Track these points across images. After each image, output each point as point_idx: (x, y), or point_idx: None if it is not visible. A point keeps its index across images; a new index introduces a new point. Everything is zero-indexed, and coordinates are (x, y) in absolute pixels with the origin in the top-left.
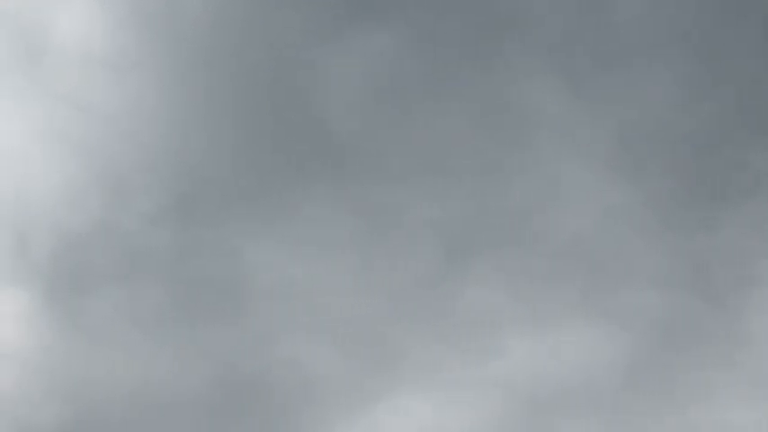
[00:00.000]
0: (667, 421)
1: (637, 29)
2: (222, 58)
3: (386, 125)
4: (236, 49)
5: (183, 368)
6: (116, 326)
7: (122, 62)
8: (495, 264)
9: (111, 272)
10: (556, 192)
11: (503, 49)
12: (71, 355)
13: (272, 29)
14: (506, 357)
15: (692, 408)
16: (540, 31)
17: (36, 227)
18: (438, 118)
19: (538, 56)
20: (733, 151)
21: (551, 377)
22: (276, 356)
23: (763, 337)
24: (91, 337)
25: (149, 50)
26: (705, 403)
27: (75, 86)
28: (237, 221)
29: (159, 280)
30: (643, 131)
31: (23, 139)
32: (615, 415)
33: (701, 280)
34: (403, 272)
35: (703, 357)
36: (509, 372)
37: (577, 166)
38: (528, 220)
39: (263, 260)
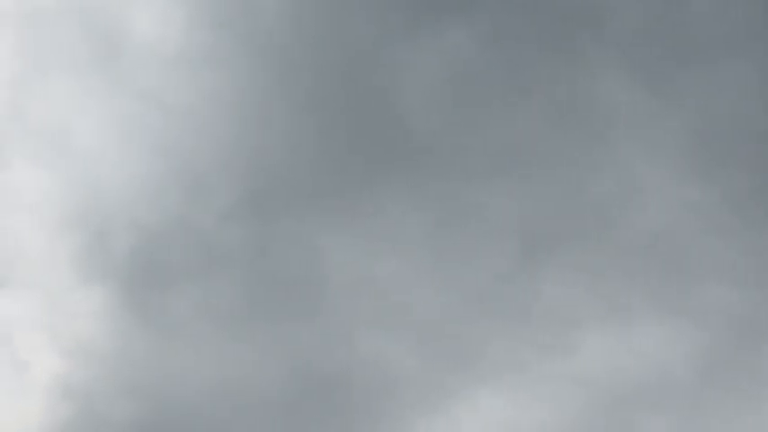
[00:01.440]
0: (744, 418)
1: (713, 24)
2: (299, 54)
3: (463, 122)
4: (313, 45)
5: (261, 366)
6: (193, 323)
7: (199, 60)
8: (572, 260)
9: (188, 269)
10: (633, 188)
11: (579, 45)
12: (148, 352)
13: (350, 25)
14: (584, 354)
15: None
16: (616, 27)
17: (114, 224)
18: (515, 115)
19: (614, 51)
20: None
21: (629, 373)
22: (354, 354)
23: None
24: (168, 335)
25: (226, 48)
26: None
27: (153, 84)
28: (315, 218)
29: (236, 277)
30: (720, 127)
31: (101, 136)
32: (692, 411)
33: None
34: (481, 269)
35: None
36: (587, 368)
37: (654, 163)
38: (604, 216)
39: (340, 257)
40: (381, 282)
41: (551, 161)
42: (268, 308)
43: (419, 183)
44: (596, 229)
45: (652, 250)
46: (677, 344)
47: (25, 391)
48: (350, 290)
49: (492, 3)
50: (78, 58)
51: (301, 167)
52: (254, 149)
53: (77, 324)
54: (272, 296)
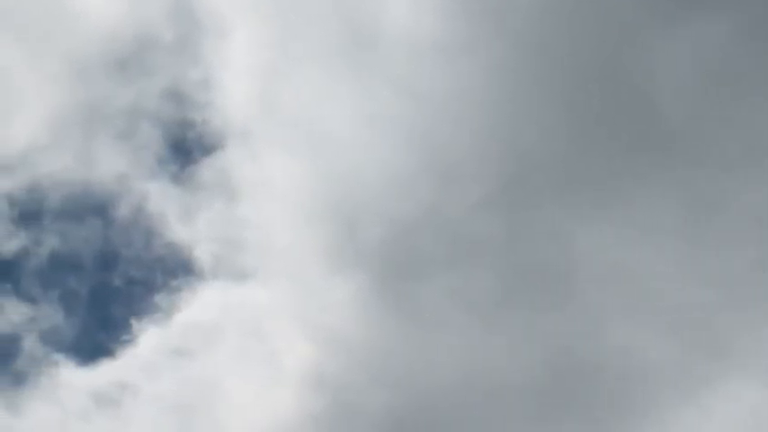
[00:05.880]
0: None
1: None
2: (552, 43)
3: (715, 111)
4: (566, 33)
5: (512, 354)
6: (445, 312)
7: (452, 48)
8: None
9: (440, 258)
10: None
11: None
12: (400, 341)
13: (605, 14)
14: None
15: None
16: None
17: (365, 214)
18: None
19: None
20: None
21: None
22: (607, 341)
23: None
24: (420, 324)
25: (479, 36)
26: None
27: (405, 73)
28: (567, 206)
29: (489, 265)
30: None
31: (353, 126)
32: None
33: None
34: (733, 258)
35: None
36: None
37: None
38: None
39: (593, 245)
40: (632, 270)
41: None
42: (519, 297)
43: (672, 171)
44: None
45: None
46: None
47: (278, 382)
48: (601, 278)
49: None
50: (330, 47)
51: (553, 157)
52: (507, 139)
53: (329, 314)
54: (523, 285)
